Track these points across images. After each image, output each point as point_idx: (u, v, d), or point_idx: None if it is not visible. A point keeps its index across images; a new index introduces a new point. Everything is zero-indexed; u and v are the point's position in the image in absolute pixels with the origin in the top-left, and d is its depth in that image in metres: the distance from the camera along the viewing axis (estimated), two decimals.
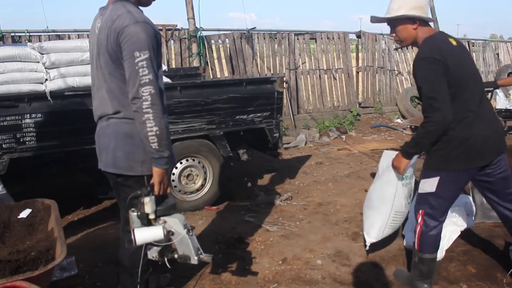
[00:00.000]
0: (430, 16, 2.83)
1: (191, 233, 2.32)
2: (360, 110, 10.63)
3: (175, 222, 2.28)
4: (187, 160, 4.74)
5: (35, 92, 3.91)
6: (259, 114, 4.93)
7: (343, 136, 9.14)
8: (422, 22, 2.75)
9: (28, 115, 3.77)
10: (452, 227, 3.61)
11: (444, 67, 2.59)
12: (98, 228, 4.42)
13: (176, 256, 2.34)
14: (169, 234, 2.24)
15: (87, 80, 4.09)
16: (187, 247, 2.31)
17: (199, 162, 4.79)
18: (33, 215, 2.76)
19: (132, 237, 2.14)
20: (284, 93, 8.84)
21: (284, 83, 5.22)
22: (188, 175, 4.78)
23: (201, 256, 2.35)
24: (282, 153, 7.21)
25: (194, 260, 2.33)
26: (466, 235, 3.75)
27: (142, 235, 2.16)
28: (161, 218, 2.25)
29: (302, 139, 8.44)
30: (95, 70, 2.41)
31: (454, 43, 2.73)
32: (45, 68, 3.98)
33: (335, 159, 7.28)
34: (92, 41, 2.43)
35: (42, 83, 3.96)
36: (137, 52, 2.16)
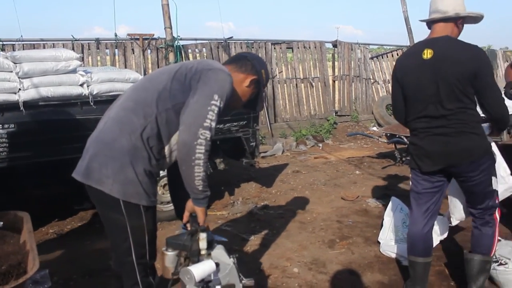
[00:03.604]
0: (430, 15, 2.84)
1: (235, 261, 2.29)
2: (337, 119, 10.74)
3: (220, 254, 2.25)
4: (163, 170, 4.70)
5: (8, 102, 3.84)
6: (235, 123, 4.94)
7: (320, 144, 9.22)
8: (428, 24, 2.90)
9: (1, 125, 3.72)
10: (433, 235, 3.66)
11: (395, 79, 2.94)
12: (73, 240, 4.36)
13: (219, 287, 2.23)
14: (218, 266, 2.19)
15: (61, 90, 4.04)
16: (233, 276, 2.26)
17: None
18: (5, 227, 2.71)
19: (191, 275, 2.05)
20: None
21: None
22: (165, 185, 4.76)
23: (243, 281, 2.29)
24: (259, 162, 7.23)
25: (239, 287, 2.28)
26: (441, 240, 3.81)
27: (200, 271, 2.09)
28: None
29: (279, 147, 8.47)
30: (137, 91, 2.30)
31: (426, 56, 2.74)
32: (19, 77, 3.92)
33: (312, 167, 7.33)
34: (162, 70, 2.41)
35: (15, 93, 3.90)
36: (216, 95, 2.11)
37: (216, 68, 2.23)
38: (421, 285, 3.09)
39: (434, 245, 3.51)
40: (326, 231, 4.44)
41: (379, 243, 4.00)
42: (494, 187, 2.88)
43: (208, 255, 2.20)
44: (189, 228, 2.30)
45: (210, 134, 2.09)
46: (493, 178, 2.87)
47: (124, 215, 2.15)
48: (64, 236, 4.48)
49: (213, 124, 2.10)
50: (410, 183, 3.09)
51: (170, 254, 2.23)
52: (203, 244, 2.18)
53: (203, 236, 2.17)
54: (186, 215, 2.31)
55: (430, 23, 2.86)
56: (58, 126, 3.97)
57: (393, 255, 3.77)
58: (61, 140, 3.98)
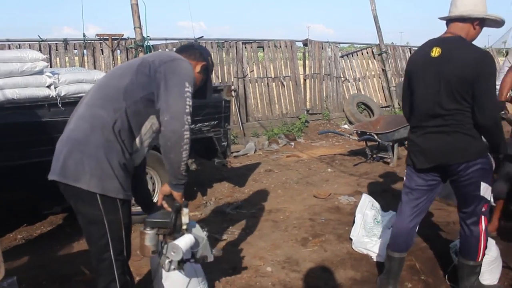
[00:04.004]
0: (451, 13, 2.80)
1: (207, 234, 2.55)
2: (308, 117, 10.80)
3: (196, 228, 2.49)
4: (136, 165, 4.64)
5: None
6: (206, 123, 4.92)
7: (292, 143, 9.25)
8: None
9: None
10: None
11: (406, 73, 3.01)
12: (42, 245, 4.26)
13: (193, 260, 2.52)
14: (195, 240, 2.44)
15: (27, 92, 3.94)
16: (206, 248, 2.52)
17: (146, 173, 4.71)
18: None
19: (177, 249, 2.27)
20: (233, 102, 8.88)
21: (233, 91, 5.25)
22: None
23: (213, 252, 2.58)
24: (231, 162, 7.22)
25: (211, 258, 2.56)
26: None
27: (184, 243, 2.31)
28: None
29: (251, 147, 8.47)
30: (105, 88, 2.37)
31: (434, 54, 2.74)
32: None
33: (284, 166, 7.36)
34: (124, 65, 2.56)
35: None
36: (187, 83, 2.26)
37: (177, 58, 2.39)
38: (394, 279, 3.15)
39: None
40: (298, 229, 4.46)
41: (351, 240, 4.05)
42: (482, 193, 2.83)
43: (187, 230, 2.39)
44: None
45: (190, 119, 2.27)
46: (484, 184, 2.82)
47: (101, 210, 2.21)
48: (33, 241, 4.38)
49: (191, 110, 2.26)
50: (404, 178, 3.12)
51: (150, 232, 2.34)
52: (185, 218, 2.38)
53: (186, 210, 2.38)
54: (161, 197, 2.50)
55: (448, 21, 2.84)
56: (25, 129, 3.88)
57: (365, 252, 3.81)
58: (28, 143, 3.89)
